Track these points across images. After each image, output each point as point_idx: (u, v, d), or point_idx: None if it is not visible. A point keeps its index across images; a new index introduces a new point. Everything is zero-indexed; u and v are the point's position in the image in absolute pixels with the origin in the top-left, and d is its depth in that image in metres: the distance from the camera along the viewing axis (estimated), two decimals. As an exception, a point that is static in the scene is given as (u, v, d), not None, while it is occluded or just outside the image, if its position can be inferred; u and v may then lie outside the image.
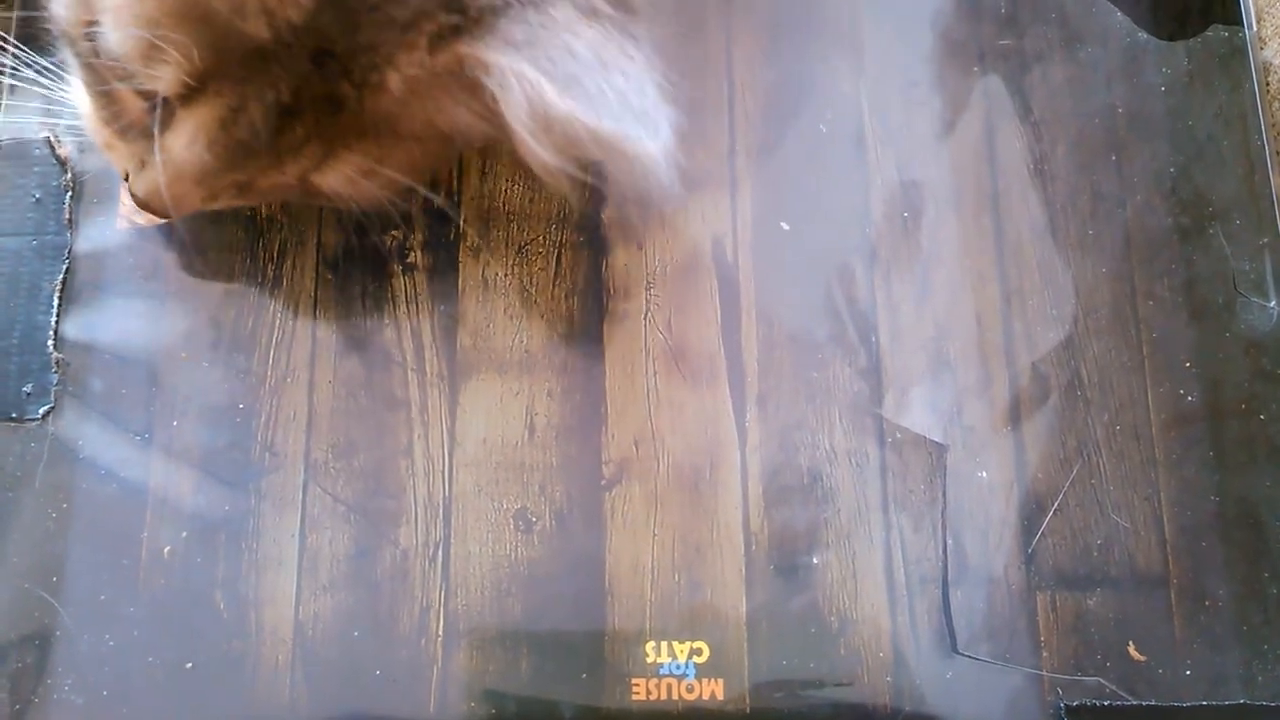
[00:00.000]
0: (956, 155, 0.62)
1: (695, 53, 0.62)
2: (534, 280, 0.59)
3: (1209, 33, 0.64)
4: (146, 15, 0.42)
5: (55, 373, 0.57)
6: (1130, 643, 0.55)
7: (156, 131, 0.46)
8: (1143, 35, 0.64)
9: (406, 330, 0.58)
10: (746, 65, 0.62)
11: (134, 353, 0.58)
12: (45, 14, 0.48)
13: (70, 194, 0.60)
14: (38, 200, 0.60)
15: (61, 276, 0.59)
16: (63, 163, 0.60)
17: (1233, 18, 0.64)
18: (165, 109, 0.46)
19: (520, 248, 0.60)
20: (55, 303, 0.58)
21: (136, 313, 0.58)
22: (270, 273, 0.59)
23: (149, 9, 0.42)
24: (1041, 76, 0.63)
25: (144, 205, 0.49)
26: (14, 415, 0.57)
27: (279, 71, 0.44)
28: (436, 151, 0.52)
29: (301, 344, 0.58)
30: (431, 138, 0.50)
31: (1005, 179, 0.62)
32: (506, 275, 0.59)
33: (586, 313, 0.59)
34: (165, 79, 0.43)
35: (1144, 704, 0.54)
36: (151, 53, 0.43)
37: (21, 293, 0.59)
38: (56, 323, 0.58)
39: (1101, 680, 0.54)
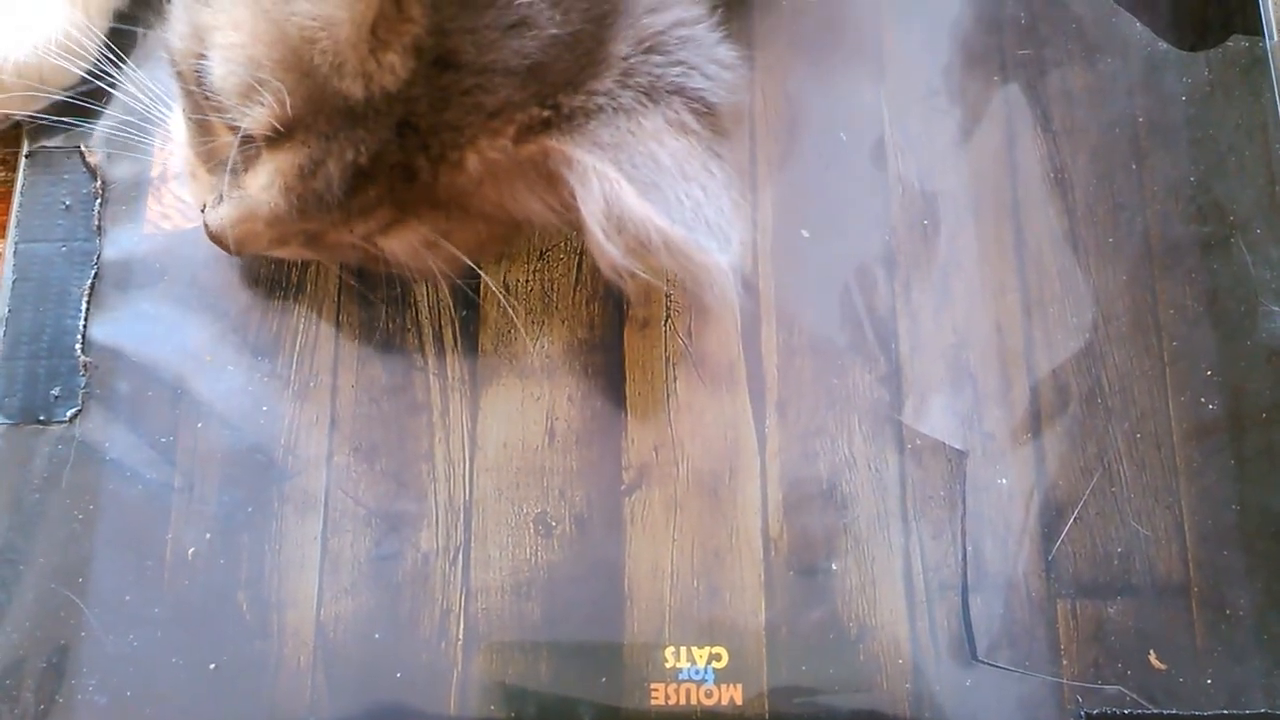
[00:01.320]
0: (976, 164, 0.62)
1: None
2: (555, 285, 0.60)
3: (1230, 43, 0.64)
4: (252, 57, 0.44)
5: (83, 376, 0.58)
6: (1151, 651, 0.55)
7: (233, 155, 0.48)
8: (1163, 45, 0.64)
9: (428, 335, 0.59)
10: (767, 73, 0.63)
11: (160, 357, 0.58)
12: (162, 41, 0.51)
13: (99, 201, 0.61)
14: (67, 207, 0.61)
15: (90, 282, 0.59)
16: (92, 171, 0.61)
17: (1253, 28, 0.64)
18: (251, 150, 0.47)
19: (542, 253, 0.60)
20: (83, 307, 0.59)
21: (163, 317, 0.59)
22: (294, 278, 0.60)
23: (256, 52, 0.44)
24: (1062, 86, 0.63)
25: (215, 239, 0.50)
26: (42, 418, 0.57)
27: (362, 134, 0.45)
28: (503, 235, 0.54)
29: (324, 349, 0.59)
30: (501, 221, 0.51)
31: (1025, 188, 0.62)
32: (528, 280, 0.60)
33: (607, 318, 0.59)
34: (256, 119, 0.45)
35: (1165, 713, 0.54)
36: (249, 92, 0.45)
37: (51, 298, 0.59)
38: (84, 327, 0.59)
39: (1122, 689, 0.54)
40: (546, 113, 0.46)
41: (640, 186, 0.44)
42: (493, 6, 0.44)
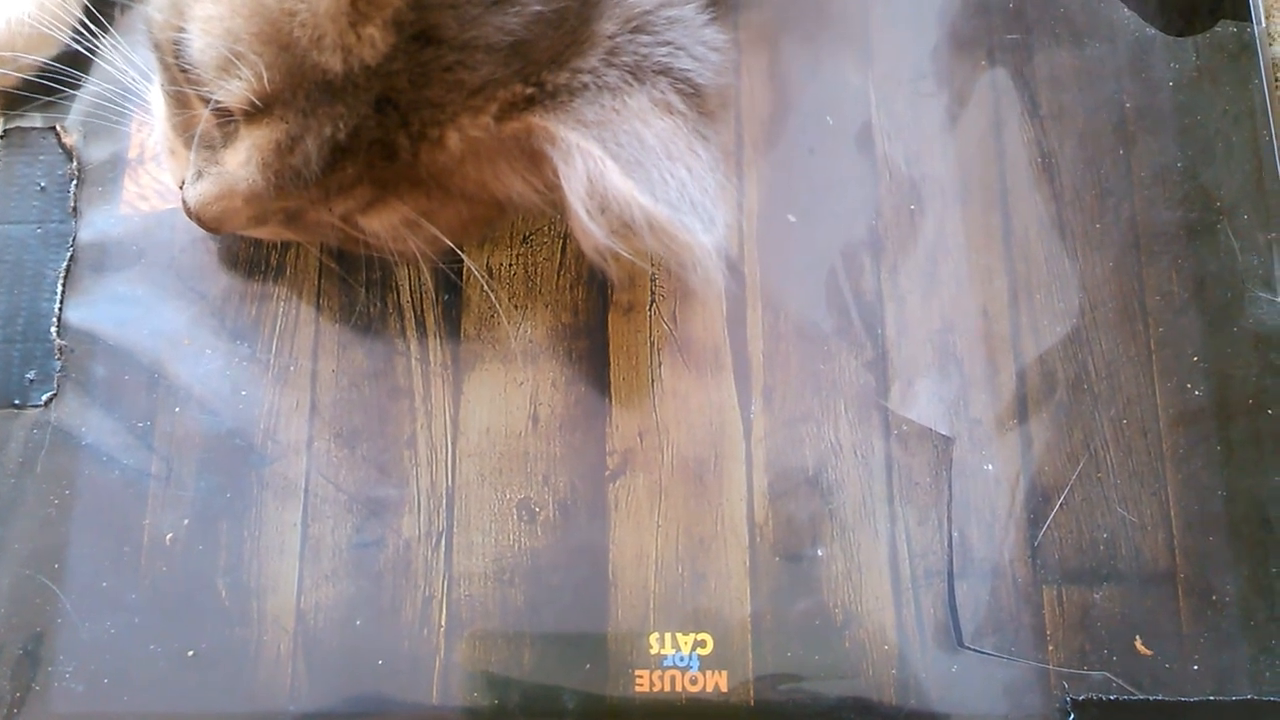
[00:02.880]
0: (963, 149, 0.62)
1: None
2: (539, 270, 0.59)
3: (1218, 28, 0.63)
4: (231, 30, 0.44)
5: (58, 360, 0.57)
6: (1137, 637, 0.55)
7: (203, 125, 0.47)
8: (1151, 31, 0.63)
9: (410, 319, 0.58)
10: (753, 55, 0.62)
11: (137, 340, 0.58)
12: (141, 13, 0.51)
13: (75, 182, 0.60)
14: (43, 188, 0.60)
15: (65, 264, 0.59)
16: (68, 152, 0.60)
17: (1241, 13, 0.63)
18: (230, 126, 0.47)
19: (525, 237, 0.59)
20: (59, 290, 0.58)
21: (140, 300, 0.58)
22: (273, 261, 0.59)
23: (235, 25, 0.44)
24: (1049, 71, 0.63)
25: (192, 215, 0.50)
26: (17, 402, 0.57)
27: (341, 109, 0.45)
28: (485, 216, 0.53)
29: (304, 333, 0.58)
30: (483, 201, 0.51)
31: (1012, 173, 0.61)
32: (511, 264, 0.59)
33: (591, 303, 0.59)
34: (234, 93, 0.45)
35: (1150, 699, 0.54)
36: (227, 66, 0.44)
37: (26, 280, 0.59)
38: (60, 310, 0.58)
39: (1108, 675, 0.54)
40: (530, 90, 0.46)
41: (624, 165, 0.44)
42: None
